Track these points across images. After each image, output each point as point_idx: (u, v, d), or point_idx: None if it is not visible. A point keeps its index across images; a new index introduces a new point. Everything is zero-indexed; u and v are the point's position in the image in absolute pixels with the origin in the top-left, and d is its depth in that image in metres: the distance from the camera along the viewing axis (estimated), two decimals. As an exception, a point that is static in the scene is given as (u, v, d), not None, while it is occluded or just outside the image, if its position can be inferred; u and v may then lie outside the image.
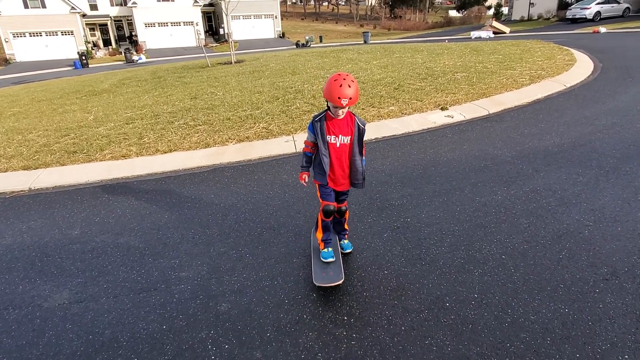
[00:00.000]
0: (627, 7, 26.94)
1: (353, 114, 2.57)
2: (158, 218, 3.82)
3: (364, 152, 2.62)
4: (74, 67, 30.04)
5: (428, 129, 5.86)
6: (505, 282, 2.49)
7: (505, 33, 26.34)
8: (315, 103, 7.19)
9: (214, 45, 40.50)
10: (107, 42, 41.66)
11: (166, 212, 3.94)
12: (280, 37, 44.84)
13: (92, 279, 2.94)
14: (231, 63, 15.48)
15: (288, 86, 8.84)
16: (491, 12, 45.12)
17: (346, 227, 2.98)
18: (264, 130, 6.00)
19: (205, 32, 43.45)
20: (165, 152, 5.51)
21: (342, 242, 2.97)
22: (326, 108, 2.54)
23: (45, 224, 3.93)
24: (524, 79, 7.95)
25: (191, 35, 41.55)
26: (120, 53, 37.14)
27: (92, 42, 39.64)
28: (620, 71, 8.68)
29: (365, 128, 2.59)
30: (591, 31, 19.56)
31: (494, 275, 2.57)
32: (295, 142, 5.55)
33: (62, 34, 36.48)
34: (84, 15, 37.90)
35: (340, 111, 2.45)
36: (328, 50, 17.28)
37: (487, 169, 4.25)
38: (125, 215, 3.95)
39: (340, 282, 2.53)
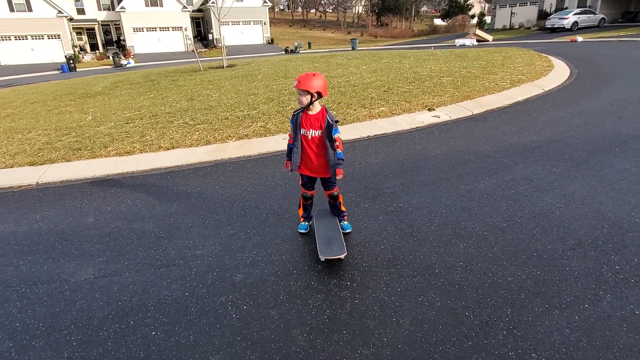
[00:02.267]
0: (603, 18, 28.16)
1: (326, 111, 2.93)
2: (168, 207, 4.09)
3: (340, 146, 2.88)
4: (61, 71, 29.84)
5: (416, 127, 6.25)
6: (487, 253, 2.85)
7: (488, 41, 27.22)
8: (309, 104, 7.53)
9: (203, 50, 40.66)
10: (94, 47, 41.44)
11: (175, 201, 4.21)
12: (269, 43, 45.27)
13: (113, 258, 3.20)
14: (223, 67, 15.75)
15: (282, 89, 9.18)
16: (475, 20, 46.43)
17: (343, 208, 3.30)
18: (261, 128, 6.31)
19: (194, 37, 43.57)
20: (168, 149, 5.77)
21: (342, 222, 3.30)
22: None
23: (59, 214, 4.15)
24: (505, 83, 8.44)
25: (180, 41, 41.65)
26: (108, 57, 37.06)
27: (80, 46, 39.38)
28: (594, 77, 9.27)
29: (336, 125, 2.88)
30: (569, 40, 20.43)
31: (477, 247, 2.92)
32: (292, 140, 5.87)
33: (49, 38, 36.20)
34: (70, 19, 37.70)
35: (301, 97, 2.79)
36: (318, 56, 17.70)
37: (471, 162, 4.64)
38: (136, 205, 4.20)
39: (343, 255, 2.84)
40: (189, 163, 5.37)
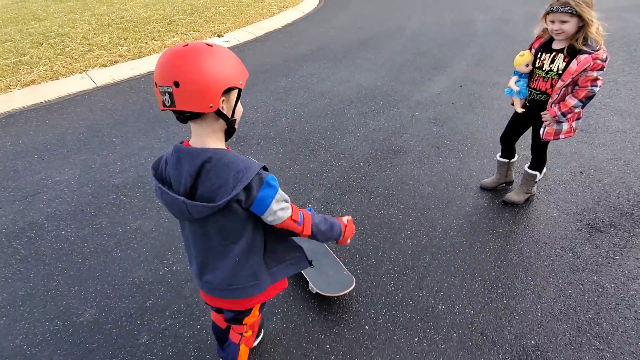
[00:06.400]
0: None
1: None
2: (-19, 159, 3.73)
3: None
4: None
5: (213, 52, 6.86)
6: (300, 119, 4.06)
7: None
8: (91, 42, 7.03)
9: None
10: None
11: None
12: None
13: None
14: None
15: (45, 32, 7.99)
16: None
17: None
18: (48, 72, 5.74)
19: None
20: None
21: None
22: None
23: None
24: (274, 9, 9.70)
25: None
26: None
27: None
28: (337, 0, 11.55)
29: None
30: (312, -28, 23.36)
31: (293, 118, 4.10)
32: (91, 78, 5.66)
33: None
34: None
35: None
36: (64, -5, 15.03)
37: (269, 71, 5.73)
38: None
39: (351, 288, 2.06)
40: (-30, 120, 4.63)
